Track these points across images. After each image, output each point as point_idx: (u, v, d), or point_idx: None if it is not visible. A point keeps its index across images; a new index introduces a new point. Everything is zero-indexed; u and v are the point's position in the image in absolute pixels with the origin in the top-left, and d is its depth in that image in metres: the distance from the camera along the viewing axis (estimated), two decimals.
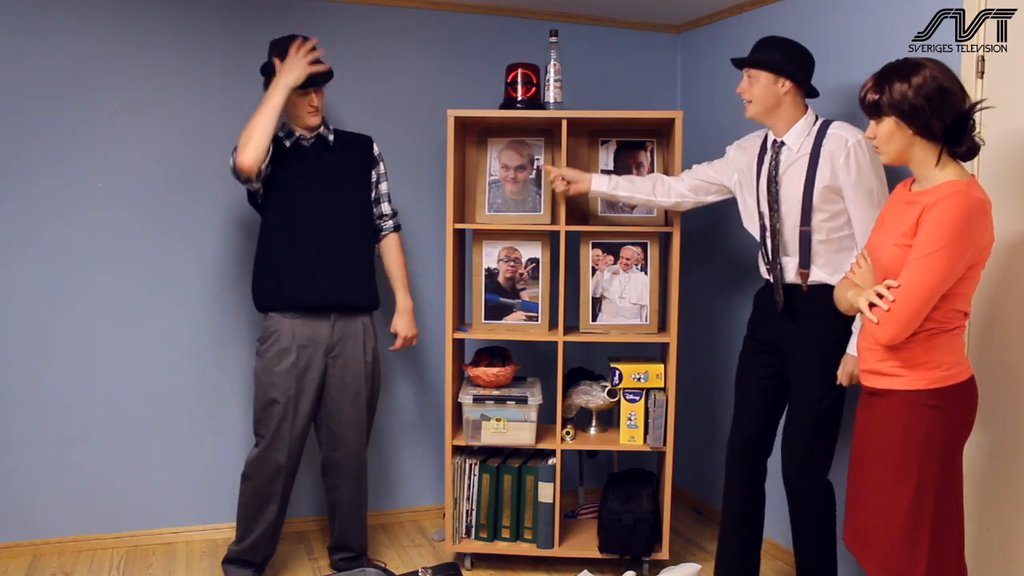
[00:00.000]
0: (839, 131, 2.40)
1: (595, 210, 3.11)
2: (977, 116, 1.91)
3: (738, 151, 2.71)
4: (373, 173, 2.93)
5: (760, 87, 2.46)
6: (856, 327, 2.38)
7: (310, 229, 2.74)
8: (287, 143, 2.77)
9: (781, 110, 2.47)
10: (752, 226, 2.64)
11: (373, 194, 2.94)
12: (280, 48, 2.70)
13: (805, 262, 2.46)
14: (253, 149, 2.60)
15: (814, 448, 2.49)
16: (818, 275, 2.46)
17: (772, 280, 2.55)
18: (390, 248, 2.98)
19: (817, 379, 2.46)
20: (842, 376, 2.42)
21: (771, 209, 2.50)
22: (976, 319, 2.31)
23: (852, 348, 2.38)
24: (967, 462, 2.33)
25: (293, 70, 2.64)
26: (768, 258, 2.55)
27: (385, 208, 2.97)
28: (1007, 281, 2.25)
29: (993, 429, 2.29)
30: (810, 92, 2.51)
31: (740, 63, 2.52)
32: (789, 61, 2.44)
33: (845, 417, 2.64)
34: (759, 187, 2.56)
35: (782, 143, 2.49)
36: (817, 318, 2.45)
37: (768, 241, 2.54)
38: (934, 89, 1.85)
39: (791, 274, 2.50)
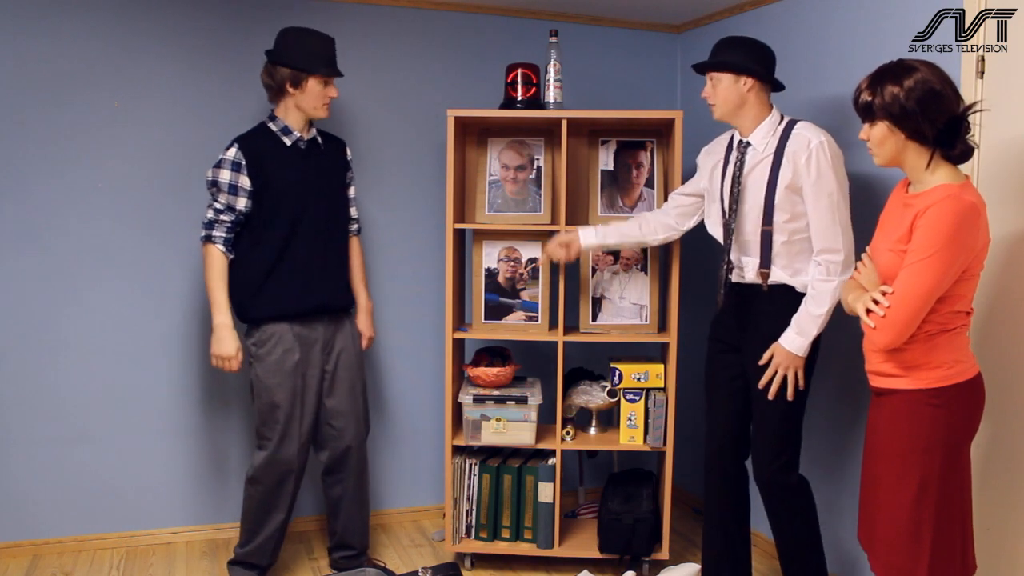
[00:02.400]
0: (803, 131, 2.41)
1: (595, 210, 3.11)
2: (973, 118, 1.91)
3: (706, 156, 2.72)
4: (347, 176, 2.94)
5: (723, 88, 2.48)
6: (796, 316, 2.40)
7: (307, 235, 2.73)
8: (287, 141, 2.74)
9: (746, 109, 2.49)
10: (716, 229, 2.65)
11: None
12: (296, 47, 2.67)
13: (766, 262, 2.47)
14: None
15: (784, 446, 2.49)
16: (778, 275, 2.47)
17: (719, 279, 2.56)
18: (354, 250, 2.99)
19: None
20: (766, 360, 2.44)
21: (730, 208, 2.52)
22: (977, 319, 2.31)
23: (784, 339, 2.41)
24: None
25: (221, 344, 2.68)
26: (723, 256, 2.57)
27: (353, 212, 2.98)
28: (1008, 281, 2.25)
29: (993, 429, 2.28)
30: (775, 86, 2.53)
31: (701, 67, 2.54)
32: (748, 59, 2.46)
33: (854, 418, 2.64)
34: (723, 187, 2.58)
35: (747, 143, 2.50)
36: (776, 318, 2.47)
37: (726, 241, 2.56)
38: (926, 92, 1.84)
39: (751, 274, 2.52)
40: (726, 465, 2.65)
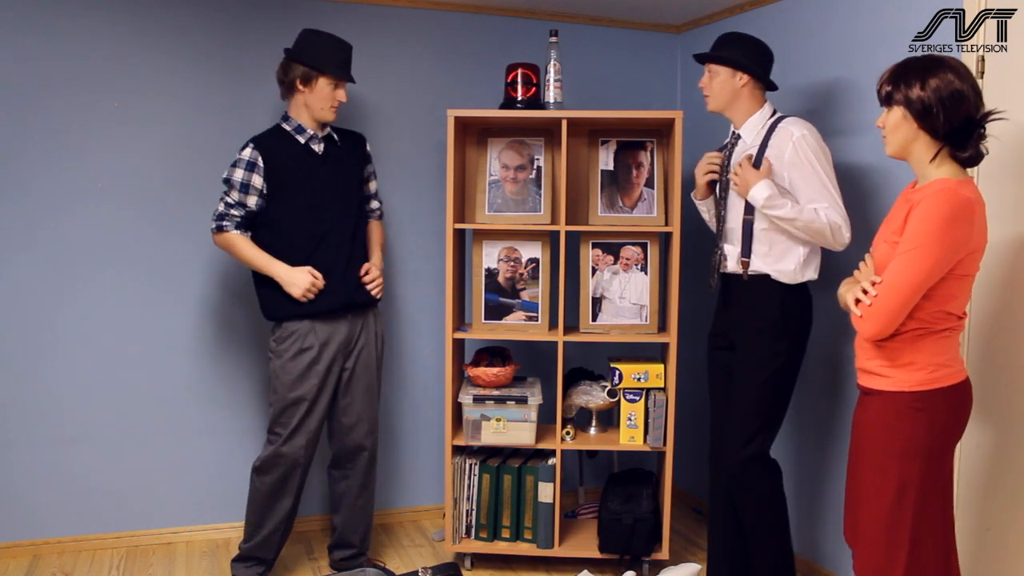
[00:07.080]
0: (788, 125, 2.50)
1: (595, 210, 3.11)
2: (989, 126, 1.90)
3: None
4: (364, 171, 2.95)
5: (719, 81, 2.58)
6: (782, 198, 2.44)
7: (326, 233, 2.75)
8: (301, 139, 2.75)
9: (739, 103, 2.59)
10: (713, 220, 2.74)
11: (364, 190, 2.96)
12: (313, 47, 2.68)
13: (746, 251, 2.54)
14: (227, 252, 2.78)
15: (749, 426, 2.51)
16: (758, 265, 2.52)
17: (711, 265, 2.65)
18: (375, 229, 3.03)
19: (751, 364, 2.52)
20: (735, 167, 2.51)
21: (722, 197, 2.61)
22: (979, 319, 2.31)
23: (758, 184, 2.43)
24: (968, 462, 2.34)
25: (297, 285, 2.68)
26: (716, 244, 2.65)
27: (374, 204, 3.02)
28: (1011, 281, 2.25)
29: (995, 429, 2.28)
30: (769, 86, 2.60)
31: (701, 58, 2.63)
32: (747, 56, 2.55)
33: (841, 414, 2.64)
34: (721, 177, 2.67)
35: (739, 136, 2.60)
36: (752, 306, 2.53)
37: (717, 229, 2.65)
38: (949, 93, 1.84)
39: (732, 262, 2.59)
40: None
